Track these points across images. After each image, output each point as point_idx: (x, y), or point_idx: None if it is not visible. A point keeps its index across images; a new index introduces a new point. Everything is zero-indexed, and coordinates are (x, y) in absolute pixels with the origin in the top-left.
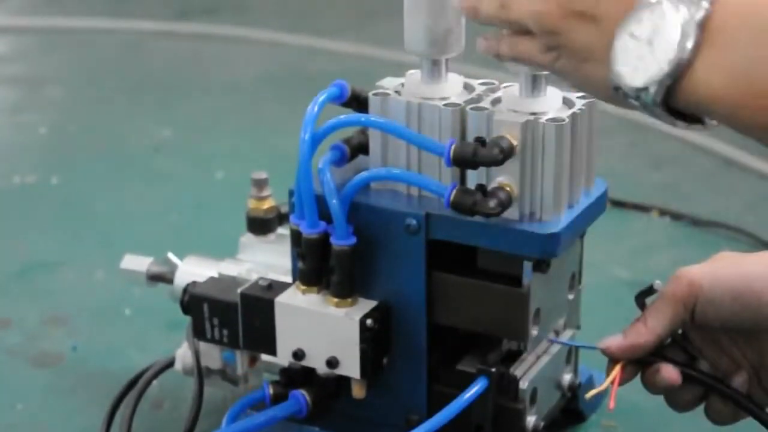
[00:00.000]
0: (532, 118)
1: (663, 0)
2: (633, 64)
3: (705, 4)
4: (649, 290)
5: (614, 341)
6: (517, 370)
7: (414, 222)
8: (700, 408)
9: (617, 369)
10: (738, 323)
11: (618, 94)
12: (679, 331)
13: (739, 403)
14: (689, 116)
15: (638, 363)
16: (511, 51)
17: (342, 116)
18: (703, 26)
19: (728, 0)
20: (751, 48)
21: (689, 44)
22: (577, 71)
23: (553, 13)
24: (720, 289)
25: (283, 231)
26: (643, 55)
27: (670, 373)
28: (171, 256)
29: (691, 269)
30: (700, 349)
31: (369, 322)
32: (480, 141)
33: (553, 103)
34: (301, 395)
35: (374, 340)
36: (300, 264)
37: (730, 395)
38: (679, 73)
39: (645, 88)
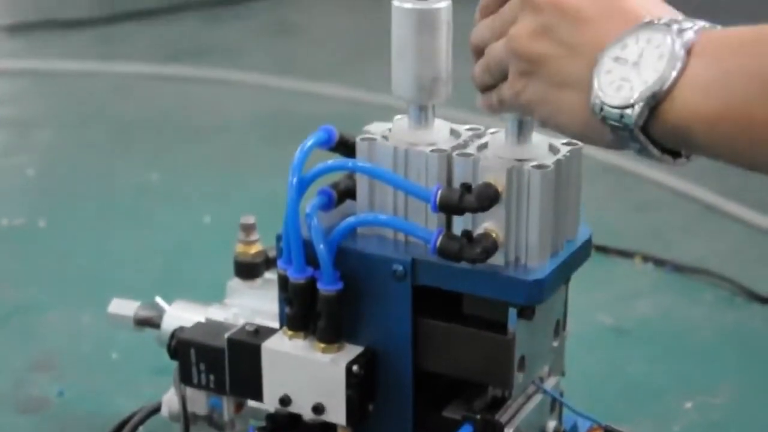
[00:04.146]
0: (517, 164)
1: (648, 28)
2: (617, 84)
3: (691, 34)
4: None
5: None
6: (502, 417)
7: (400, 268)
8: None
9: None
10: None
11: (595, 119)
12: None
13: None
14: (665, 149)
15: None
16: (498, 98)
17: (329, 161)
18: (689, 51)
19: (712, 30)
20: (729, 61)
21: (677, 65)
22: (549, 99)
23: (524, 38)
24: None
25: (271, 276)
26: (628, 76)
27: None
28: (158, 300)
29: None
30: None
31: (355, 368)
32: (466, 187)
33: (538, 149)
34: None
35: (360, 387)
36: (287, 309)
37: None
38: (663, 94)
39: (630, 106)
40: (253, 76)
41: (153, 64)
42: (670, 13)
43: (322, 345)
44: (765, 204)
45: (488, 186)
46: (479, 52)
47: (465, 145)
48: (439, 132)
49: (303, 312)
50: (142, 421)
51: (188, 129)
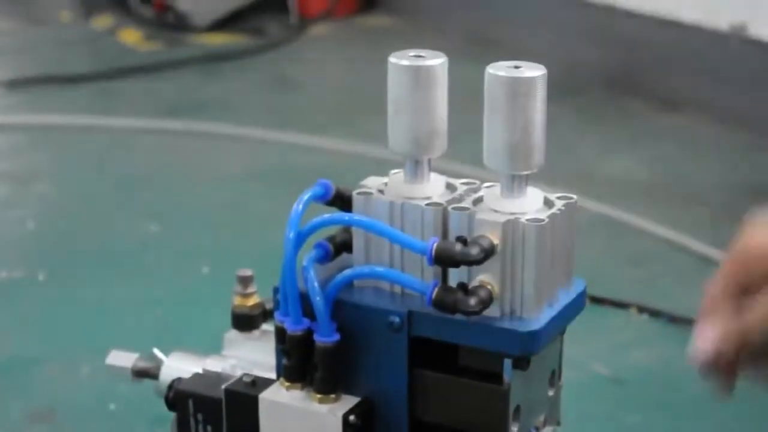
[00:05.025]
0: (512, 217)
1: None
2: None
3: None
4: None
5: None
6: None
7: (397, 319)
8: None
9: None
10: None
11: None
12: None
13: None
14: None
15: None
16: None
17: (326, 215)
18: None
19: None
20: None
21: None
22: None
23: None
24: None
25: (268, 327)
26: None
27: None
28: (156, 351)
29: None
30: None
31: (352, 418)
32: (462, 240)
33: (533, 203)
34: None
35: None
36: (284, 360)
37: None
38: None
39: None
40: (251, 129)
41: (152, 118)
42: None
43: (319, 396)
44: None
45: (483, 239)
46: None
47: (461, 198)
48: (435, 186)
49: (300, 363)
50: None
51: (187, 182)
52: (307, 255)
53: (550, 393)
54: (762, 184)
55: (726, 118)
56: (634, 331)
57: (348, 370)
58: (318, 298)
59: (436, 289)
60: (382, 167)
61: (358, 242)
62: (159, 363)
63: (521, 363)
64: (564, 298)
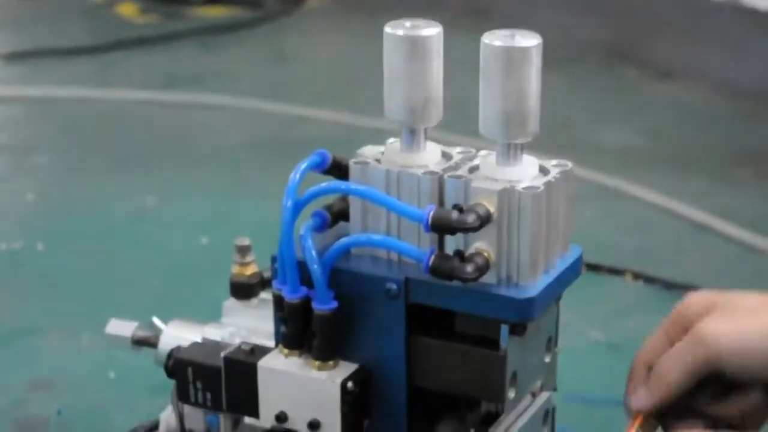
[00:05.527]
0: (508, 185)
1: None
2: None
3: None
4: None
5: (642, 398)
6: None
7: (394, 286)
8: None
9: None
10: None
11: None
12: None
13: None
14: None
15: (660, 416)
16: None
17: (323, 184)
18: None
19: None
20: None
21: None
22: None
23: None
24: (750, 359)
25: (266, 296)
26: None
27: None
28: (156, 320)
29: (714, 332)
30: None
31: (350, 385)
32: (458, 208)
33: (529, 170)
34: None
35: (355, 403)
36: (282, 328)
37: None
38: None
39: None
40: (248, 101)
41: (150, 90)
42: None
43: (318, 363)
44: (754, 222)
45: (479, 206)
46: None
47: (456, 167)
48: (431, 154)
49: (298, 331)
50: None
51: (185, 153)
52: (304, 224)
53: (547, 359)
54: (756, 152)
55: (720, 86)
56: (630, 297)
57: (346, 338)
58: (315, 266)
59: (433, 257)
60: (379, 137)
61: (355, 211)
62: (158, 332)
63: (518, 329)
64: (560, 265)
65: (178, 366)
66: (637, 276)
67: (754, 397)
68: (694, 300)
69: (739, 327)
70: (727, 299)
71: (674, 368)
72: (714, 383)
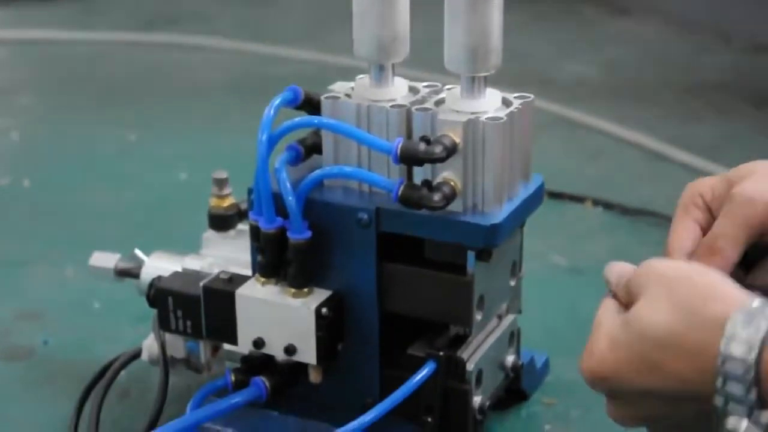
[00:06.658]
0: (473, 117)
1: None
2: None
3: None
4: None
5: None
6: (463, 354)
7: (365, 216)
8: None
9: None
10: None
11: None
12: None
13: None
14: None
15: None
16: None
17: (296, 119)
18: None
19: None
20: None
21: None
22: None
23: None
24: None
25: (243, 227)
26: None
27: None
28: (137, 252)
29: (756, 190)
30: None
31: (324, 310)
32: (425, 139)
33: (492, 102)
34: (261, 382)
35: (329, 328)
36: (259, 258)
37: None
38: None
39: None
40: (225, 41)
41: (130, 31)
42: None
43: (293, 290)
44: (706, 150)
45: (446, 138)
46: None
47: (423, 100)
48: (399, 89)
49: (274, 260)
50: (123, 366)
51: (164, 93)
52: (279, 157)
53: (512, 283)
54: (709, 83)
55: (674, 21)
56: (590, 222)
57: (320, 266)
58: (290, 198)
59: (402, 187)
60: (350, 75)
61: (327, 144)
62: (140, 263)
63: (484, 255)
64: (523, 193)
65: (159, 295)
66: (596, 203)
67: None
68: (736, 171)
69: None
70: (755, 171)
71: (730, 239)
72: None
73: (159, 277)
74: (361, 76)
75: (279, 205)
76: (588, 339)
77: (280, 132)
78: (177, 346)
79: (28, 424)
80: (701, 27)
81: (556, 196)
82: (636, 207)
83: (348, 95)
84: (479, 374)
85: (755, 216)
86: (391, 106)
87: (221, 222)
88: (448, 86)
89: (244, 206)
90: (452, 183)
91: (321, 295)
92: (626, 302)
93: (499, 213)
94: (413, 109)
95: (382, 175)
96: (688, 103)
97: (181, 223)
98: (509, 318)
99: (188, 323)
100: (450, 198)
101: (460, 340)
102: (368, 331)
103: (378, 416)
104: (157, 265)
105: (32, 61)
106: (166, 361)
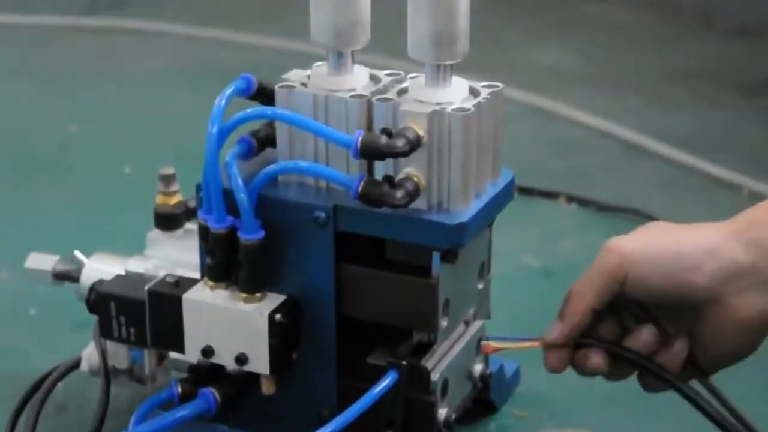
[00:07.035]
0: (438, 108)
1: None
2: None
3: None
4: None
5: (555, 330)
6: (427, 362)
7: (322, 214)
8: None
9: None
10: (667, 299)
11: None
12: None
13: (668, 381)
14: None
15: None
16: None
17: (249, 109)
18: None
19: None
20: None
21: None
22: None
23: None
24: (650, 267)
25: (191, 226)
26: None
27: (598, 360)
28: (77, 253)
29: (621, 242)
30: (637, 317)
31: (278, 317)
32: (387, 132)
33: (458, 92)
34: (210, 393)
35: (283, 335)
36: (208, 259)
37: (659, 374)
38: None
39: None
40: (173, 25)
41: (71, 15)
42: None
43: (244, 295)
44: (685, 141)
45: (409, 130)
46: None
47: (385, 90)
48: (359, 78)
49: (224, 262)
50: (60, 377)
51: (108, 80)
52: (229, 151)
53: (480, 286)
54: (690, 70)
55: (652, 6)
56: (563, 220)
57: (273, 268)
58: (242, 195)
59: (362, 183)
60: (308, 62)
61: (281, 137)
62: (80, 265)
63: (449, 256)
64: (492, 189)
65: (100, 300)
66: (570, 199)
67: (647, 332)
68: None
69: (642, 238)
70: (639, 228)
71: (584, 288)
72: (620, 315)
73: (100, 281)
74: (318, 63)
75: (230, 203)
76: None
77: (232, 124)
78: (119, 355)
79: None
80: (682, 9)
81: (527, 192)
82: (613, 204)
83: (304, 84)
84: (445, 384)
85: (606, 265)
86: (351, 96)
87: (168, 221)
88: (411, 75)
89: (192, 204)
90: (416, 179)
91: (274, 300)
92: None
93: (465, 211)
94: (374, 99)
95: (341, 171)
96: (669, 92)
97: (125, 221)
98: (477, 324)
99: (132, 330)
100: (413, 195)
101: (424, 347)
102: (325, 339)
103: (336, 430)
104: (99, 268)
105: None
106: (107, 372)
